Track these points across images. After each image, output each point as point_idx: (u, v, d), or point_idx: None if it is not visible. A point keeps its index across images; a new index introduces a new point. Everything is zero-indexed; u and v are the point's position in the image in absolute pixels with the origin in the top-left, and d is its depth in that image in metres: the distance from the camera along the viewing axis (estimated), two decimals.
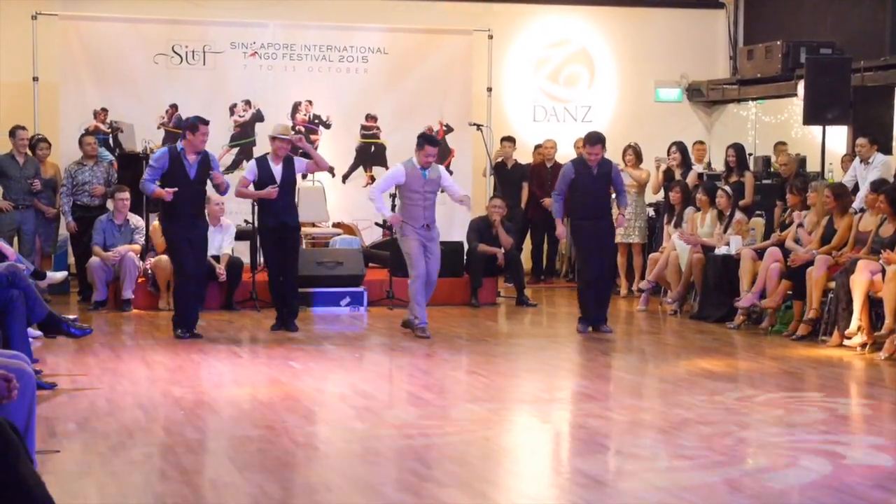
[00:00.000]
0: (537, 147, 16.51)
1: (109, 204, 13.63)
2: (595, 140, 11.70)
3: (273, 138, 11.63)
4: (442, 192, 11.75)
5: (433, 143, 11.51)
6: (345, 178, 15.81)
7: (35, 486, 4.62)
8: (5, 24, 15.70)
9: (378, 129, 16.08)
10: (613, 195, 12.12)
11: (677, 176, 14.49)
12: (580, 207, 11.73)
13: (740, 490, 6.08)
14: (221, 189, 11.38)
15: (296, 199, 12.06)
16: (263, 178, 11.51)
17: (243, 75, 15.63)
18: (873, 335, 10.47)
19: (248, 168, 11.79)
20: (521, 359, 10.47)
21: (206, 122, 11.17)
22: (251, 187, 11.58)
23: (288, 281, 11.64)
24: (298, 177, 12.10)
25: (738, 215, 13.09)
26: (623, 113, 17.87)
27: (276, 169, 11.53)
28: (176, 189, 10.94)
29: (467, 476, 6.35)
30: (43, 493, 4.65)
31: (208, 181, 11.26)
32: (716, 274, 12.61)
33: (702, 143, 16.10)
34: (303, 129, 15.62)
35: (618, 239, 14.52)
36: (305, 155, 12.02)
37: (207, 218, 12.42)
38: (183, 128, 11.38)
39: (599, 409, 8.36)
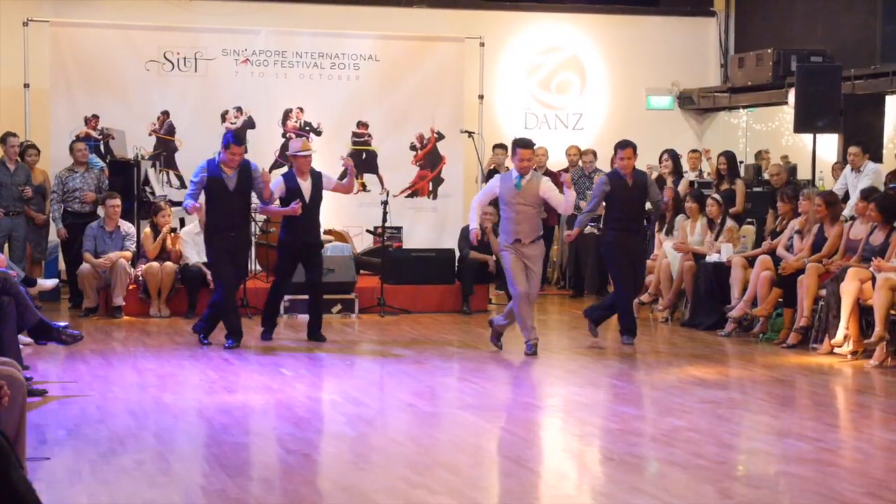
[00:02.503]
0: None
1: (100, 211, 13.60)
2: (625, 144, 11.60)
3: (294, 157, 11.36)
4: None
5: (525, 146, 10.84)
6: None
7: (26, 492, 4.62)
8: None
9: (369, 136, 16.09)
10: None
11: (669, 184, 14.51)
12: (615, 220, 11.55)
13: (731, 497, 6.09)
14: (265, 197, 11.10)
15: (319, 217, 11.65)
16: (291, 193, 11.20)
17: (235, 82, 15.62)
18: (863, 343, 10.49)
19: (274, 183, 11.35)
20: (512, 366, 10.46)
21: (240, 143, 11.04)
22: (277, 203, 11.31)
23: (316, 294, 11.45)
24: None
25: (729, 223, 13.11)
26: (614, 120, 17.88)
27: (305, 185, 11.25)
28: (197, 205, 10.94)
29: (458, 483, 6.35)
30: (34, 499, 4.64)
31: (252, 192, 11.11)
32: (707, 281, 12.62)
33: (696, 151, 16.11)
34: (293, 136, 15.62)
35: None
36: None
37: (199, 224, 12.47)
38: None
39: (591, 416, 8.38)
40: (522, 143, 10.89)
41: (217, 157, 11.07)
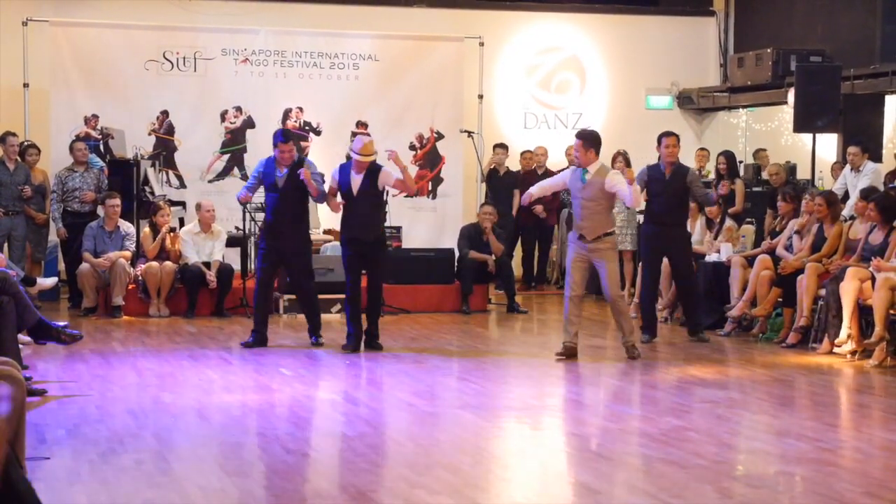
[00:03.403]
0: (524, 153, 16.52)
1: (100, 210, 13.60)
2: (669, 133, 11.70)
3: (353, 157, 11.01)
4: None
5: (577, 137, 10.64)
6: None
7: (25, 492, 4.62)
8: None
9: (368, 135, 16.05)
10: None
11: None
12: (649, 214, 11.68)
13: (731, 497, 6.09)
14: (313, 196, 10.93)
15: (380, 214, 11.27)
16: (342, 185, 10.88)
17: (234, 82, 15.62)
18: (863, 343, 10.48)
19: (332, 174, 11.14)
20: (511, 366, 10.46)
21: (287, 140, 10.92)
22: (338, 196, 10.99)
23: (370, 296, 11.09)
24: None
25: (729, 222, 13.12)
26: (614, 120, 17.89)
27: (356, 178, 10.85)
28: (248, 195, 11.09)
29: (458, 483, 6.35)
30: (33, 499, 4.64)
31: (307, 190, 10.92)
32: (706, 281, 12.61)
33: (704, 149, 16.11)
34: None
35: None
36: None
37: (207, 226, 12.56)
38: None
39: (590, 416, 8.38)
40: (576, 135, 10.75)
41: (274, 154, 11.05)
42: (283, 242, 10.94)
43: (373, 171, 10.87)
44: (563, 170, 15.93)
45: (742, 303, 11.96)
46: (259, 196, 11.52)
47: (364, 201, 10.84)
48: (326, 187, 11.10)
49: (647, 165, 12.21)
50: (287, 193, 10.89)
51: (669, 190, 11.51)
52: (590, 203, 10.40)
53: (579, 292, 10.49)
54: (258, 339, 11.06)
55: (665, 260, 12.56)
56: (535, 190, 10.94)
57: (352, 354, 10.78)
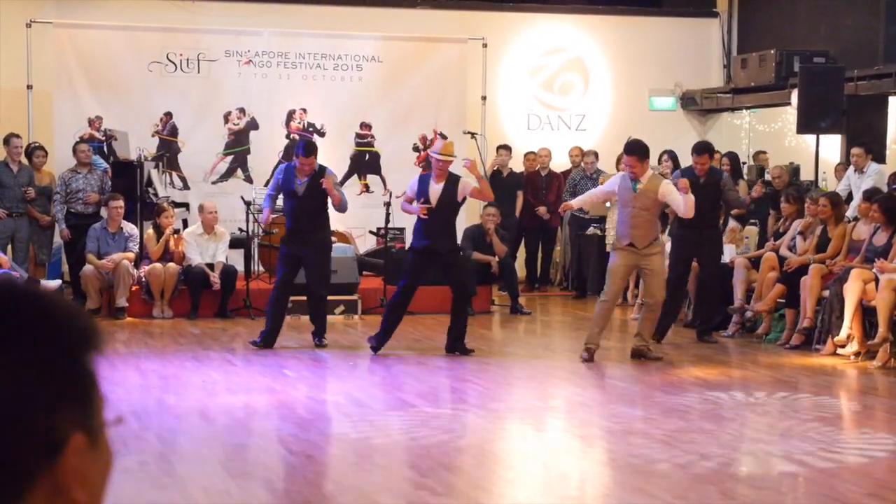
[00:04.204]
0: (527, 154, 16.53)
1: (103, 212, 13.60)
2: (703, 149, 11.61)
3: (432, 157, 10.95)
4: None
5: (628, 152, 10.56)
6: None
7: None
8: (0, 31, 15.70)
9: (372, 137, 16.08)
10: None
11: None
12: (681, 217, 11.62)
13: (734, 498, 6.09)
14: (335, 205, 11.00)
15: (454, 222, 11.04)
16: (419, 194, 10.77)
17: (237, 83, 15.60)
18: (867, 344, 10.48)
19: (410, 183, 11.11)
20: (515, 367, 10.47)
21: (308, 154, 10.92)
22: (415, 204, 10.85)
23: (458, 300, 10.90)
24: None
25: (732, 224, 13.11)
26: (617, 121, 17.87)
27: (435, 188, 10.63)
28: (267, 212, 11.25)
29: (461, 484, 6.35)
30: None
31: (329, 197, 10.97)
32: None
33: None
34: (297, 138, 15.61)
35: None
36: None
37: (210, 227, 12.46)
38: None
39: (594, 417, 8.37)
40: (625, 149, 10.72)
41: (295, 161, 11.09)
42: (303, 248, 10.98)
43: (452, 180, 10.74)
44: (568, 171, 16.09)
45: (752, 303, 11.95)
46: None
47: (443, 210, 10.68)
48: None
49: (680, 169, 12.22)
50: (306, 200, 10.94)
51: (704, 194, 11.39)
52: (642, 212, 10.40)
53: (615, 300, 10.61)
54: (267, 341, 11.07)
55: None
56: (586, 199, 11.16)
57: (355, 354, 10.76)
